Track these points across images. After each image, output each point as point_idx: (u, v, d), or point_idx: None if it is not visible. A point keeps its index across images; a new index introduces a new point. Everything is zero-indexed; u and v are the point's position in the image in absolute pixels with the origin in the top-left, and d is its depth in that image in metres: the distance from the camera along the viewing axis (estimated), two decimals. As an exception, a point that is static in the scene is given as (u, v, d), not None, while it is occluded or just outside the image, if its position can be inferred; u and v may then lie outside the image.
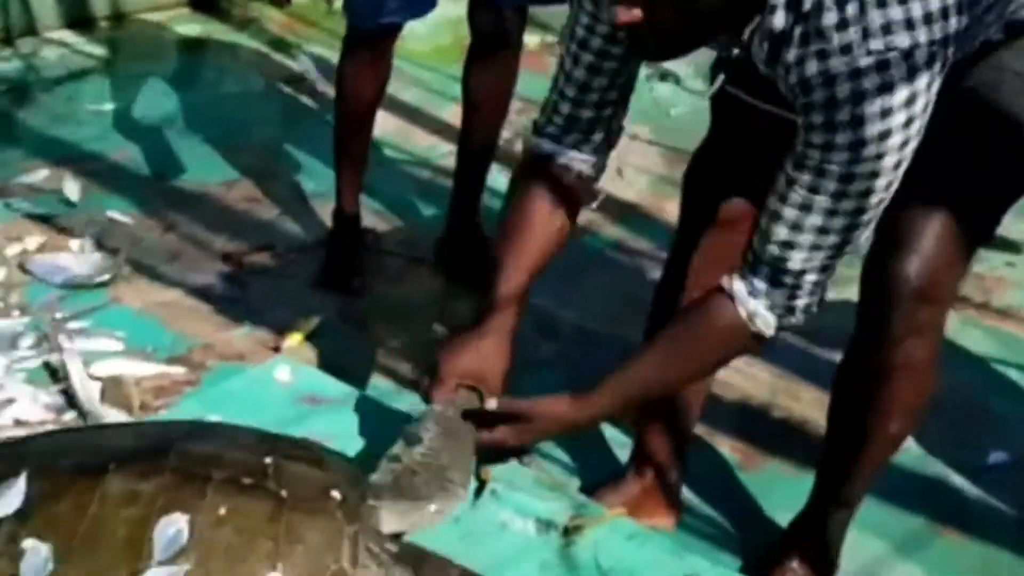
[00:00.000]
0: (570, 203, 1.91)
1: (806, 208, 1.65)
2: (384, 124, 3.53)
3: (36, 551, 1.61)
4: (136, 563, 1.57)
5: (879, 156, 1.59)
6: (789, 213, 1.66)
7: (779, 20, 1.62)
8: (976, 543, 2.35)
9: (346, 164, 3.12)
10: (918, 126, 1.60)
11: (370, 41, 2.99)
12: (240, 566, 1.58)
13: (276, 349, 2.75)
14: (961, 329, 3.02)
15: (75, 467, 1.67)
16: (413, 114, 3.98)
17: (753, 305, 1.72)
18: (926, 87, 1.58)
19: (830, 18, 1.57)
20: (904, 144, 1.59)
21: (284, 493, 1.62)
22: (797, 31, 1.61)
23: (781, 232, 1.67)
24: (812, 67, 1.59)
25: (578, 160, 1.91)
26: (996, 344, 3.00)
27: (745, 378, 2.77)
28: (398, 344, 2.83)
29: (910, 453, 2.53)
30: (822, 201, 1.63)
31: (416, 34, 3.93)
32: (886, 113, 1.57)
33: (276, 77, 4.21)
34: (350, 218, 3.15)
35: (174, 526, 1.60)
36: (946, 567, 2.29)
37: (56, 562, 1.60)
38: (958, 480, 2.51)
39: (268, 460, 1.65)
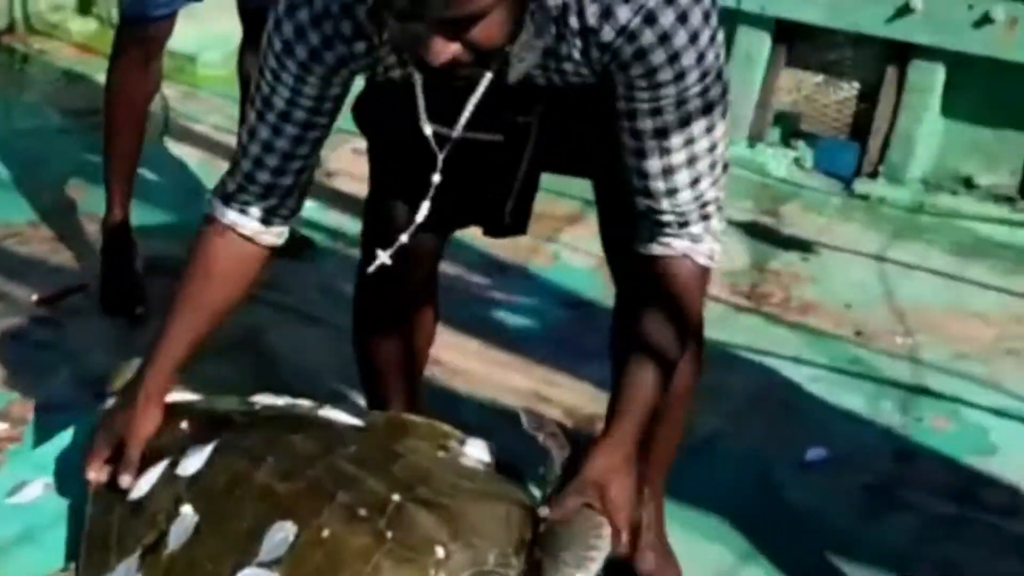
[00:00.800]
0: (250, 264, 1.92)
1: (689, 143, 1.72)
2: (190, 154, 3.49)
3: (186, 519, 1.75)
4: (243, 556, 1.68)
5: (706, 72, 1.68)
6: (679, 157, 1.73)
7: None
8: (805, 539, 2.42)
9: (115, 172, 3.07)
10: (720, 36, 1.70)
11: (142, 40, 2.97)
12: None
13: (99, 395, 2.68)
14: (766, 328, 3.16)
15: (245, 451, 1.80)
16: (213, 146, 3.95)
17: (706, 247, 1.80)
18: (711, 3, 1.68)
19: None
20: (718, 55, 1.69)
21: (389, 534, 1.66)
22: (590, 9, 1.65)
23: (684, 177, 1.75)
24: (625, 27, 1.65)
25: (265, 235, 1.90)
26: (802, 340, 3.13)
27: (567, 391, 2.83)
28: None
29: (733, 452, 2.63)
30: (696, 129, 1.71)
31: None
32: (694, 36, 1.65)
33: (70, 110, 4.11)
34: (120, 228, 3.09)
35: (283, 532, 1.69)
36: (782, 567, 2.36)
37: (195, 535, 1.73)
38: (780, 476, 2.59)
39: (395, 497, 1.69)
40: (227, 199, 1.88)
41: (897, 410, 2.84)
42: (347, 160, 3.68)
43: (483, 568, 1.66)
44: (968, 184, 3.92)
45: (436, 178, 1.87)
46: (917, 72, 3.88)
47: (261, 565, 1.67)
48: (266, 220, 1.90)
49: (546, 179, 2.08)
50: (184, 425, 1.91)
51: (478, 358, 2.93)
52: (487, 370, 2.89)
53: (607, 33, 1.66)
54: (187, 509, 1.76)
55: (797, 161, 4.09)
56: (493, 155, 1.96)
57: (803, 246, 3.63)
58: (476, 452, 1.85)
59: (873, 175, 3.98)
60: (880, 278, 3.46)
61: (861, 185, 3.96)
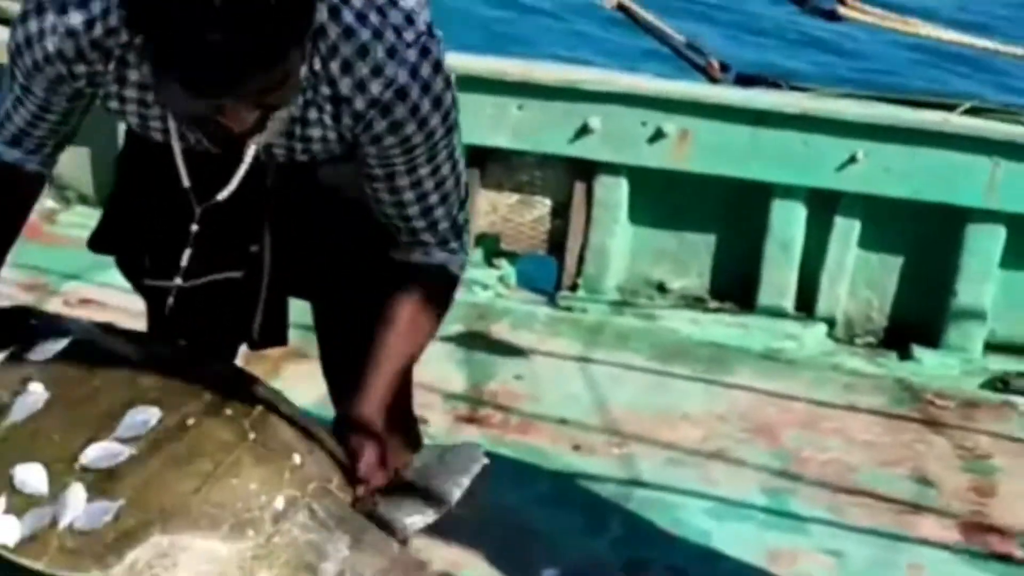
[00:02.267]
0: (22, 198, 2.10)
1: (440, 184, 2.00)
2: None
3: (35, 394, 1.81)
4: (99, 432, 1.73)
5: (450, 127, 1.94)
6: (434, 197, 2.01)
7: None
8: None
9: None
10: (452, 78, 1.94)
11: None
12: (172, 471, 1.71)
13: None
14: (490, 446, 3.23)
15: (106, 351, 1.88)
16: None
17: (459, 259, 2.11)
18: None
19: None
20: (454, 99, 1.94)
21: (252, 435, 1.77)
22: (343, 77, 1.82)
23: (441, 212, 2.04)
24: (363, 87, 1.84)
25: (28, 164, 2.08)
26: (525, 459, 3.20)
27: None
28: None
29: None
30: (445, 169, 1.99)
31: None
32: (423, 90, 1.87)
33: None
34: None
35: (145, 415, 1.76)
36: None
37: (43, 409, 1.78)
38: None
39: (259, 408, 1.83)
40: None
41: (621, 522, 2.95)
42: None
43: (328, 485, 1.80)
44: (661, 289, 4.16)
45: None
46: (602, 187, 4.09)
47: (117, 440, 1.72)
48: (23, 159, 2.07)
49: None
50: (37, 323, 2.01)
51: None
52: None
53: (360, 103, 1.83)
54: (37, 387, 1.82)
55: (502, 279, 4.23)
56: (230, 290, 2.11)
57: (516, 364, 3.75)
58: None
59: (573, 288, 4.16)
60: (591, 388, 3.60)
61: (563, 298, 4.14)
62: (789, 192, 3.96)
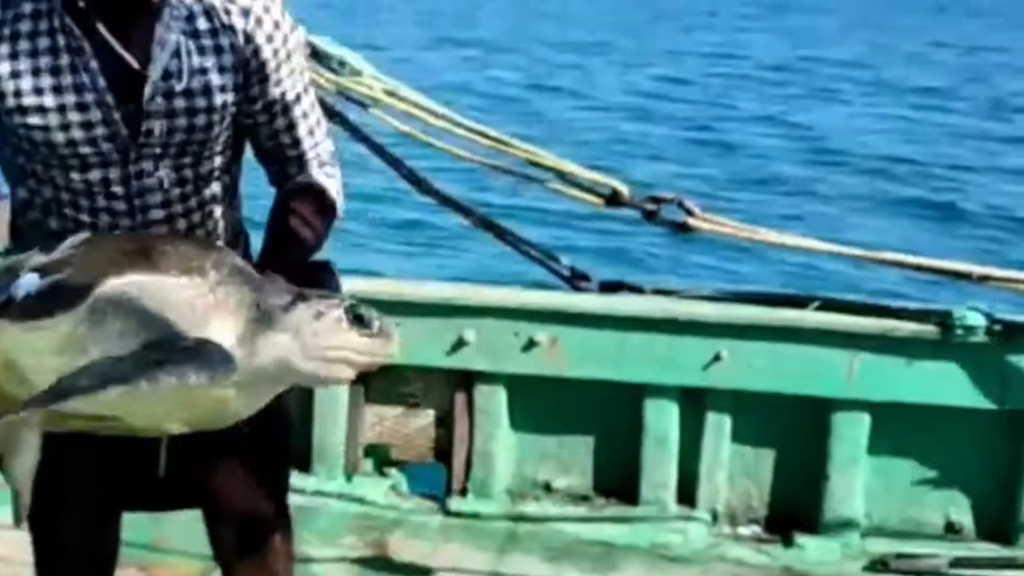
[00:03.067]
0: None
1: (313, 105, 2.35)
2: None
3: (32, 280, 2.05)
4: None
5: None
6: (314, 116, 2.35)
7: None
8: None
9: None
10: None
11: None
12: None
13: None
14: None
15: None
16: None
17: (336, 184, 2.36)
18: None
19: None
20: None
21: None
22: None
23: (321, 131, 2.36)
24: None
25: None
26: None
27: None
28: None
29: None
30: (307, 100, 2.33)
31: None
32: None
33: None
34: None
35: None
36: None
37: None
38: None
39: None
40: None
41: None
42: None
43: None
44: (548, 489, 4.29)
45: None
46: (482, 396, 4.25)
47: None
48: None
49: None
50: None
51: None
52: None
53: (235, 10, 2.20)
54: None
55: (393, 488, 4.34)
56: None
57: (414, 574, 3.83)
58: None
59: (463, 492, 4.28)
60: (486, 599, 3.71)
61: (454, 503, 4.25)
62: (660, 391, 4.14)
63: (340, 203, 2.37)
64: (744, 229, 3.87)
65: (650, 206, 4.10)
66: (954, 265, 4.01)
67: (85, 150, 2.15)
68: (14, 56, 2.12)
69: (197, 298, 2.03)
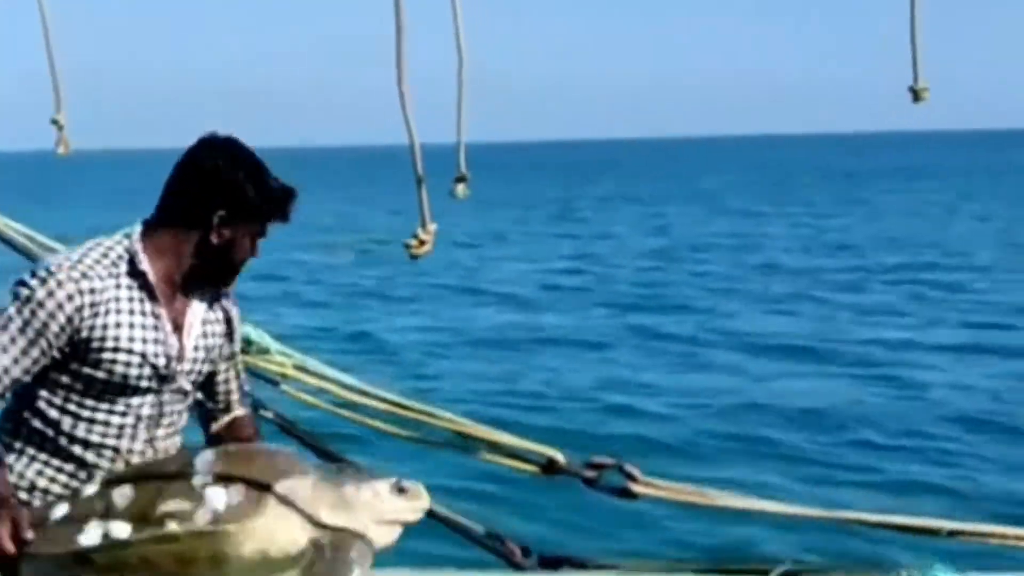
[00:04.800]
0: None
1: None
2: None
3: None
4: None
5: None
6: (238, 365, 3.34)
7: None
8: None
9: None
10: None
11: None
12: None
13: None
14: None
15: None
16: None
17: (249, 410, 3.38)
18: None
19: None
20: None
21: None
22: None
23: (242, 373, 3.37)
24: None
25: None
26: None
27: None
28: None
29: None
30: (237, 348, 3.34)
31: None
32: None
33: None
34: None
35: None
36: None
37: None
38: None
39: None
40: None
41: None
42: None
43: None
44: None
45: None
46: None
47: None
48: None
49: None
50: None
51: None
52: None
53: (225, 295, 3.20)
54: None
55: None
56: None
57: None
58: None
59: None
60: None
61: None
62: None
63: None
64: (691, 492, 3.56)
65: (589, 473, 3.82)
66: (923, 521, 3.70)
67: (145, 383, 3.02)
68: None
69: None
